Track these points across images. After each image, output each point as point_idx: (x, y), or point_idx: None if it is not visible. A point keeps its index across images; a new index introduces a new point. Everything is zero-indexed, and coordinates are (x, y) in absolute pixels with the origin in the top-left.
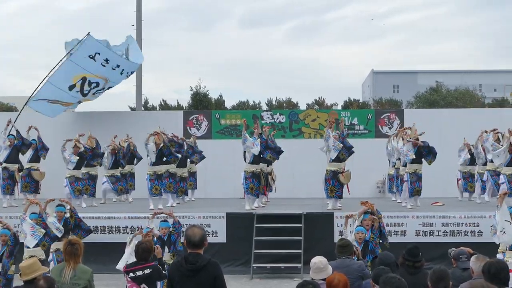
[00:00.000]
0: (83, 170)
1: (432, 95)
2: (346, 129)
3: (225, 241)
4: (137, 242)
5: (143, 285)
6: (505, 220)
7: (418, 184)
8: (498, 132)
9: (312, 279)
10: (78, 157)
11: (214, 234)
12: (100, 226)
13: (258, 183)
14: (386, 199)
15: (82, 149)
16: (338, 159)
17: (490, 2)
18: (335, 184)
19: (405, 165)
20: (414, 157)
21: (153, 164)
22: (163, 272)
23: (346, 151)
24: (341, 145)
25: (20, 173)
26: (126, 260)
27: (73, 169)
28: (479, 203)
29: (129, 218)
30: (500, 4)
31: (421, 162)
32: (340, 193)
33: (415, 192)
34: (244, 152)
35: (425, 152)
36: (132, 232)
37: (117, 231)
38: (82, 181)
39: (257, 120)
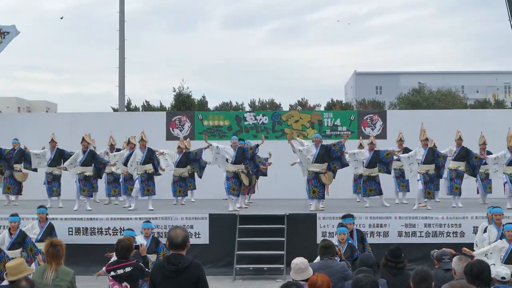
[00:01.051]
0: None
1: (414, 96)
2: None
3: (208, 242)
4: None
5: (125, 283)
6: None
7: (430, 185)
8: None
9: (293, 279)
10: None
11: (197, 235)
12: (82, 228)
13: (240, 183)
14: (370, 200)
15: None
16: (321, 160)
17: (471, 4)
18: (317, 184)
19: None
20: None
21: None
22: (146, 270)
23: (339, 165)
24: (312, 143)
25: (3, 176)
26: None
27: (82, 165)
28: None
29: (111, 220)
30: (481, 6)
31: (432, 163)
32: (323, 194)
33: (427, 193)
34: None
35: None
36: (114, 233)
37: (99, 233)
38: (90, 181)
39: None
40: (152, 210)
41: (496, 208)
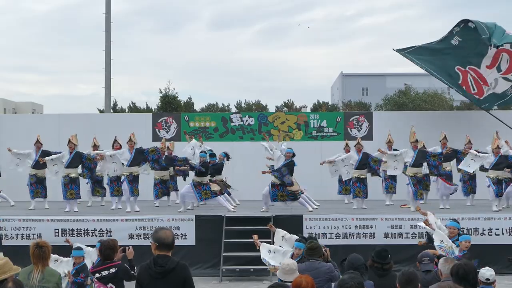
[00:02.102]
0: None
1: (400, 97)
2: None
3: (194, 244)
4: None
5: (110, 284)
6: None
7: (420, 186)
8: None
9: (280, 280)
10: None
11: (183, 237)
12: (69, 229)
13: (209, 188)
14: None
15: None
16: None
17: (457, 5)
18: (283, 190)
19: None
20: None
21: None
22: (132, 272)
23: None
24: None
25: None
26: None
27: (67, 167)
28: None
29: (97, 221)
30: (466, 7)
31: (421, 166)
32: (294, 196)
33: (418, 194)
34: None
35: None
36: (101, 235)
37: (85, 234)
38: (76, 183)
39: None
40: (139, 211)
41: (465, 235)
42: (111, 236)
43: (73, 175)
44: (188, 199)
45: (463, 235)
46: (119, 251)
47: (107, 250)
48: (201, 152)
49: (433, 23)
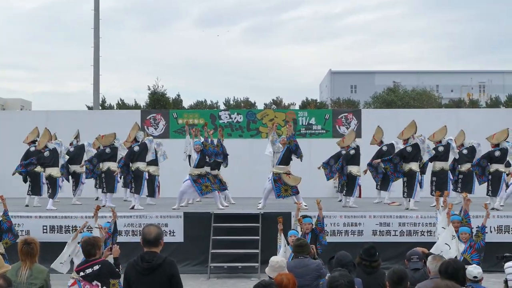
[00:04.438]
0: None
1: (389, 95)
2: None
3: (183, 241)
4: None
5: (95, 281)
6: (442, 227)
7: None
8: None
9: (269, 277)
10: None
11: (172, 234)
12: (57, 226)
13: (209, 180)
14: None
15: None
16: (285, 162)
17: (445, 4)
18: (285, 183)
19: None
20: None
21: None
22: (116, 270)
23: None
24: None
25: None
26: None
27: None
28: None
29: (86, 218)
30: (455, 5)
31: (417, 161)
32: (296, 190)
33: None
34: (189, 156)
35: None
36: (89, 231)
37: (74, 231)
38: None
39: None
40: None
41: (454, 216)
42: None
43: (53, 174)
44: (187, 196)
45: (461, 226)
46: (106, 249)
47: (88, 246)
48: (196, 140)
49: (421, 21)
